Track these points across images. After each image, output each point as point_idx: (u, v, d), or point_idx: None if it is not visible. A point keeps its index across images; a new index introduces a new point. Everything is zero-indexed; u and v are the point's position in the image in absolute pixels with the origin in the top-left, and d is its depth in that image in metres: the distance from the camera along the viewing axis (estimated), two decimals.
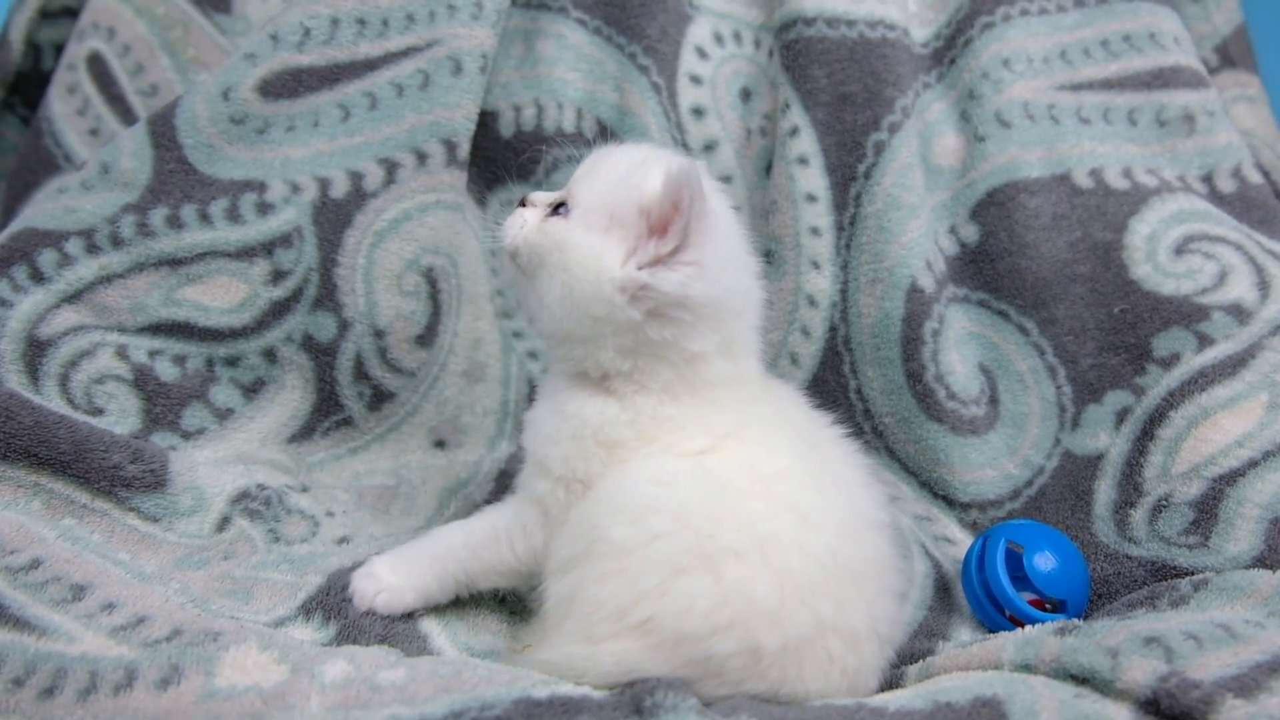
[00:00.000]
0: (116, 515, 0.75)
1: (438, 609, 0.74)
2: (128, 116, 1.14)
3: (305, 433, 0.92)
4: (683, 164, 0.64)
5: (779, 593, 0.61)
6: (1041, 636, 0.66)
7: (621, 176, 0.68)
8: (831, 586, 0.63)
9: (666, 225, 0.65)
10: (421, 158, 0.94)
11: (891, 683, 0.70)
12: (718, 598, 0.60)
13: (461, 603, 0.75)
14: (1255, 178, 1.03)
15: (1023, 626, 0.78)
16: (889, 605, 0.68)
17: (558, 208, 0.71)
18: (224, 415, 0.88)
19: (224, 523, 0.80)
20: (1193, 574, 0.80)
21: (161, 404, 0.85)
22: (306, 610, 0.70)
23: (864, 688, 0.65)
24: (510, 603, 0.77)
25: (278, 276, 0.90)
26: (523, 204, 0.74)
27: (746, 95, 1.11)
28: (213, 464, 0.85)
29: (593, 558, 0.63)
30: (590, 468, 0.68)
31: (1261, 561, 0.79)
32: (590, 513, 0.65)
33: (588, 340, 0.68)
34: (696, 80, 1.10)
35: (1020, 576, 0.80)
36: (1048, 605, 0.81)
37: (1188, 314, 0.93)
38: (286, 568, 0.77)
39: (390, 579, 0.72)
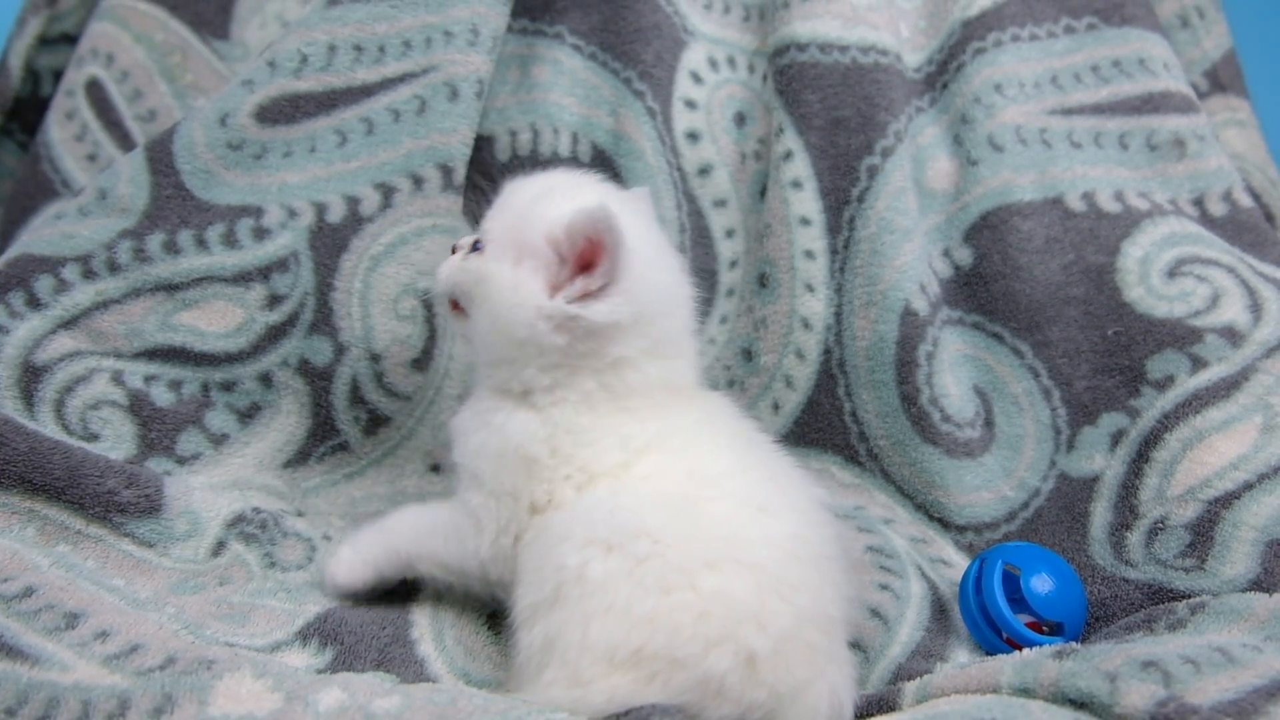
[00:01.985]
0: (111, 541, 0.75)
1: (435, 634, 0.73)
2: (126, 142, 1.15)
3: (301, 458, 0.92)
4: (597, 205, 0.66)
5: (757, 592, 0.61)
6: (1040, 660, 0.65)
7: (525, 208, 0.72)
8: (804, 574, 0.63)
9: (591, 262, 0.67)
10: (418, 182, 0.94)
11: (888, 700, 0.69)
12: (701, 610, 0.60)
13: (459, 628, 0.74)
14: (1246, 201, 1.04)
15: (1020, 649, 0.78)
16: (847, 584, 0.69)
17: (475, 244, 0.74)
18: (219, 441, 0.88)
19: (219, 547, 0.79)
20: (1189, 597, 0.80)
21: (157, 429, 0.85)
22: (304, 636, 0.70)
23: (840, 665, 0.65)
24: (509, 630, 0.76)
25: (274, 301, 0.90)
26: (453, 250, 0.77)
27: (741, 120, 1.12)
28: (208, 488, 0.84)
29: (567, 601, 0.62)
30: (518, 484, 0.69)
31: (1258, 585, 0.79)
32: (552, 554, 0.64)
33: (514, 361, 0.71)
34: (691, 105, 1.11)
35: (1017, 599, 0.80)
36: (1044, 628, 0.81)
37: (1181, 336, 0.94)
38: (284, 596, 0.76)
39: (349, 555, 0.77)
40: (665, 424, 0.70)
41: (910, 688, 0.69)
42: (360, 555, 0.76)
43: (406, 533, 0.75)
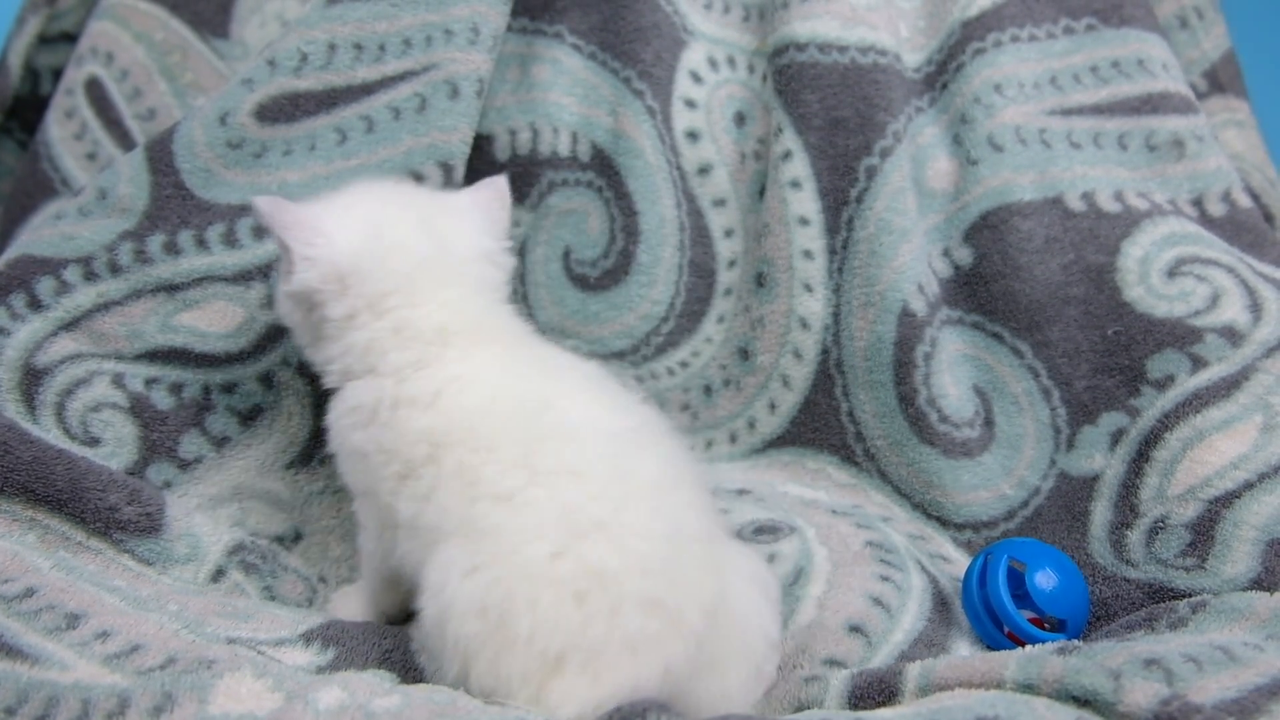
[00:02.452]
0: (111, 555, 0.75)
1: None
2: (125, 141, 1.15)
3: (304, 459, 0.92)
4: (261, 199, 0.72)
5: (620, 552, 0.60)
6: (1044, 655, 0.65)
7: None
8: (657, 496, 0.63)
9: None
10: (418, 180, 0.94)
11: (889, 678, 0.69)
12: (577, 590, 0.59)
13: None
14: (1245, 202, 1.04)
15: (1021, 644, 0.78)
16: (702, 494, 0.68)
17: None
18: (221, 443, 0.88)
19: (219, 574, 0.79)
20: (1190, 596, 0.80)
21: (158, 432, 0.85)
22: (307, 638, 0.70)
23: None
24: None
25: (274, 300, 0.90)
26: None
27: (741, 119, 1.12)
28: (209, 505, 0.84)
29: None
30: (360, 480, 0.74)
31: (1259, 583, 0.79)
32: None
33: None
34: (691, 104, 1.11)
35: (1021, 594, 0.80)
36: (1047, 624, 0.81)
37: (1181, 336, 0.94)
38: (288, 610, 0.76)
39: (348, 607, 0.80)
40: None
41: (913, 669, 0.68)
42: (356, 606, 0.79)
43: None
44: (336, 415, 0.73)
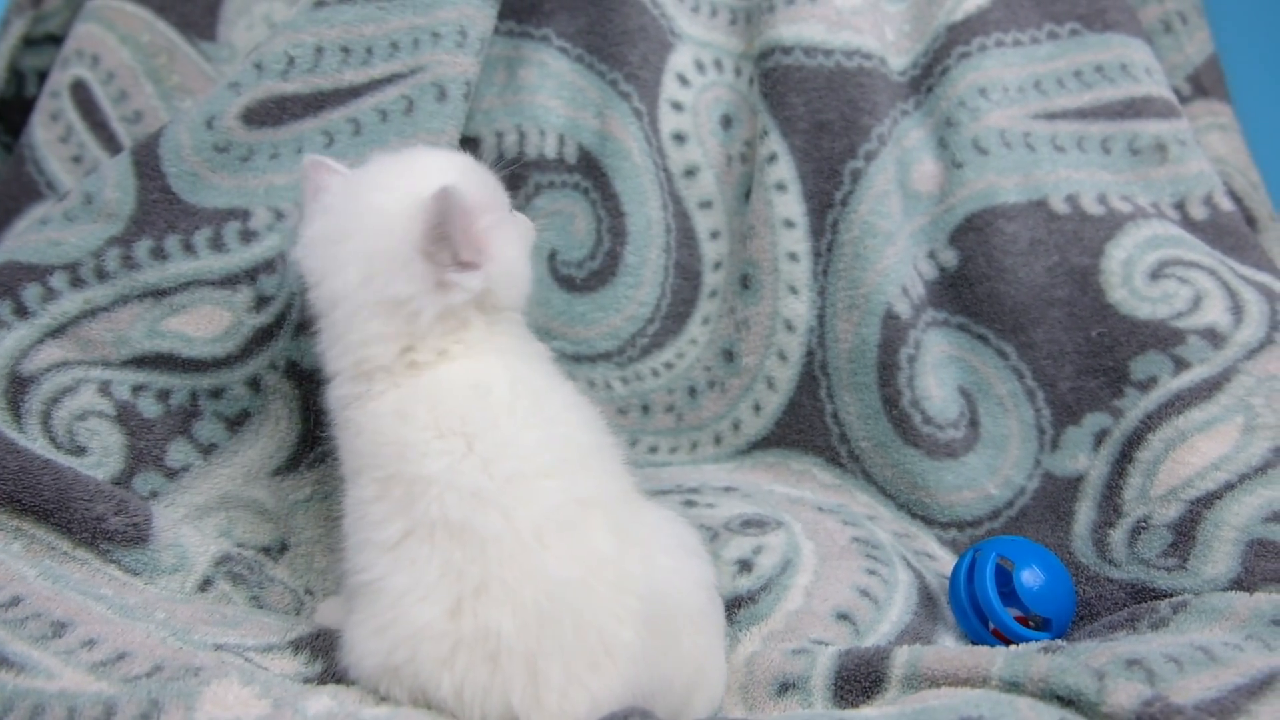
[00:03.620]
0: (97, 565, 0.75)
1: None
2: (111, 144, 1.14)
3: (291, 465, 0.91)
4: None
5: (513, 611, 0.58)
6: (1031, 654, 0.66)
7: None
8: (549, 536, 0.60)
9: None
10: None
11: (875, 661, 0.69)
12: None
13: None
14: (1226, 205, 1.05)
15: (1006, 641, 0.79)
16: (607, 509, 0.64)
17: None
18: (208, 450, 0.88)
19: (206, 584, 0.79)
20: (1172, 596, 0.81)
21: (145, 440, 0.85)
22: (296, 646, 0.70)
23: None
24: None
25: (261, 303, 0.90)
26: None
27: (727, 122, 1.12)
28: (196, 515, 0.84)
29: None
30: None
31: (1238, 584, 0.80)
32: None
33: None
34: (678, 107, 1.11)
35: (1008, 592, 0.81)
36: (1032, 622, 0.81)
37: (1164, 338, 0.95)
38: (275, 618, 0.76)
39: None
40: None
41: (901, 654, 0.69)
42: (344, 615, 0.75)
43: None
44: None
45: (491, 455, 0.61)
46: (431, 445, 0.62)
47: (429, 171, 0.69)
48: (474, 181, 0.70)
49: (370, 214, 0.68)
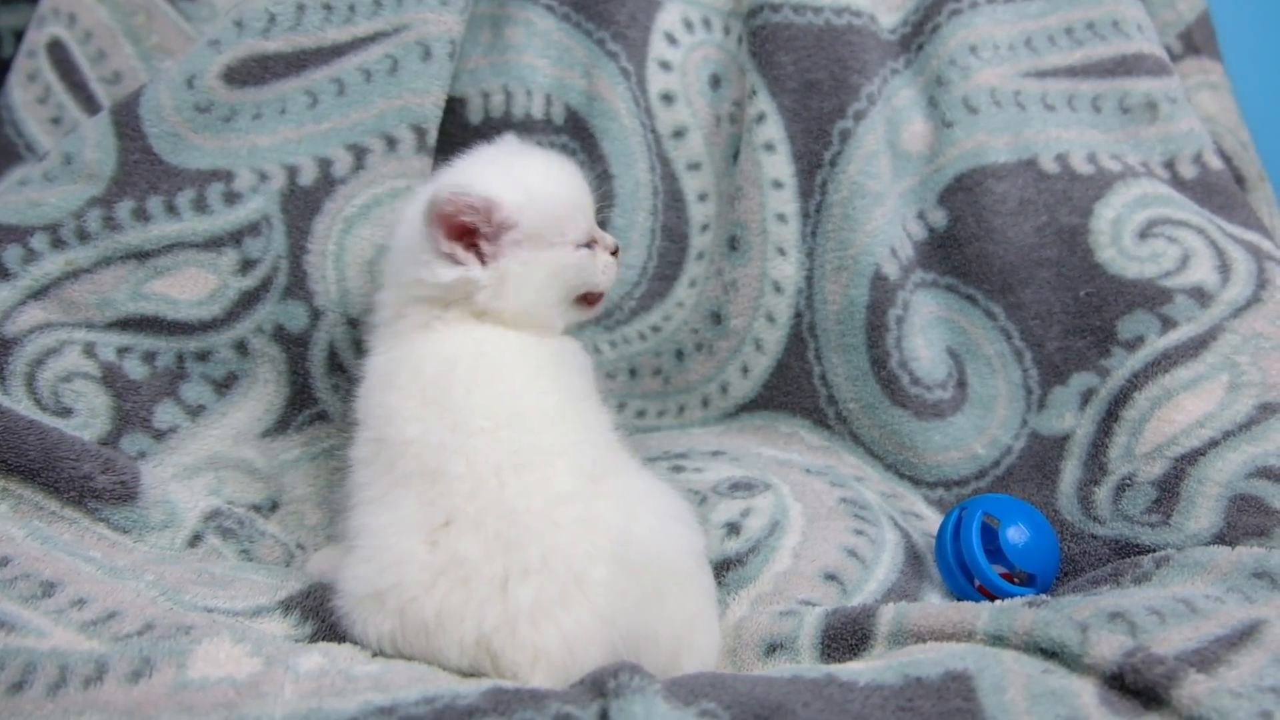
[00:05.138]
0: (86, 524, 0.75)
1: None
2: (90, 104, 1.12)
3: (280, 427, 0.91)
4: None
5: (478, 537, 0.63)
6: (1015, 608, 0.67)
7: None
8: (513, 477, 0.65)
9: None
10: (391, 143, 0.93)
11: (862, 619, 0.70)
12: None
13: None
14: (1216, 164, 1.05)
15: (992, 598, 0.80)
16: (580, 460, 0.70)
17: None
18: (196, 412, 0.87)
19: (196, 539, 0.79)
20: (1155, 551, 0.82)
21: (132, 401, 0.84)
22: (286, 606, 0.70)
23: None
24: None
25: (246, 266, 0.89)
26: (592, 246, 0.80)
27: (716, 82, 1.11)
28: (184, 475, 0.84)
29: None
30: None
31: (1221, 538, 0.81)
32: None
33: None
34: (666, 66, 1.10)
35: (993, 549, 0.82)
36: (1017, 578, 0.82)
37: (1151, 297, 0.95)
38: (265, 573, 0.76)
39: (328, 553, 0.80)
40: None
41: (887, 611, 0.70)
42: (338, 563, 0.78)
43: None
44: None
45: (458, 418, 0.67)
46: (413, 412, 0.68)
47: (482, 174, 0.76)
48: (519, 194, 0.74)
49: (419, 197, 0.77)
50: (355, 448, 0.71)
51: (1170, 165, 1.05)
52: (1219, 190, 1.04)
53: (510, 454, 0.65)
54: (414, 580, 0.62)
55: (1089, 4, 1.09)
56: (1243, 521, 0.80)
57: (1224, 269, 0.95)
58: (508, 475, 0.64)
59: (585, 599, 0.61)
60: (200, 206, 0.88)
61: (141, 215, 0.87)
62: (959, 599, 0.83)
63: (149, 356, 0.86)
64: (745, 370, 1.05)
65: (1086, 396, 0.95)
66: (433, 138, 0.95)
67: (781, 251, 1.04)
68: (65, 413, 0.82)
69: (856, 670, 0.61)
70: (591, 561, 0.62)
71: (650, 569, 0.65)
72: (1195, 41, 1.25)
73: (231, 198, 0.89)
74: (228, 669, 0.57)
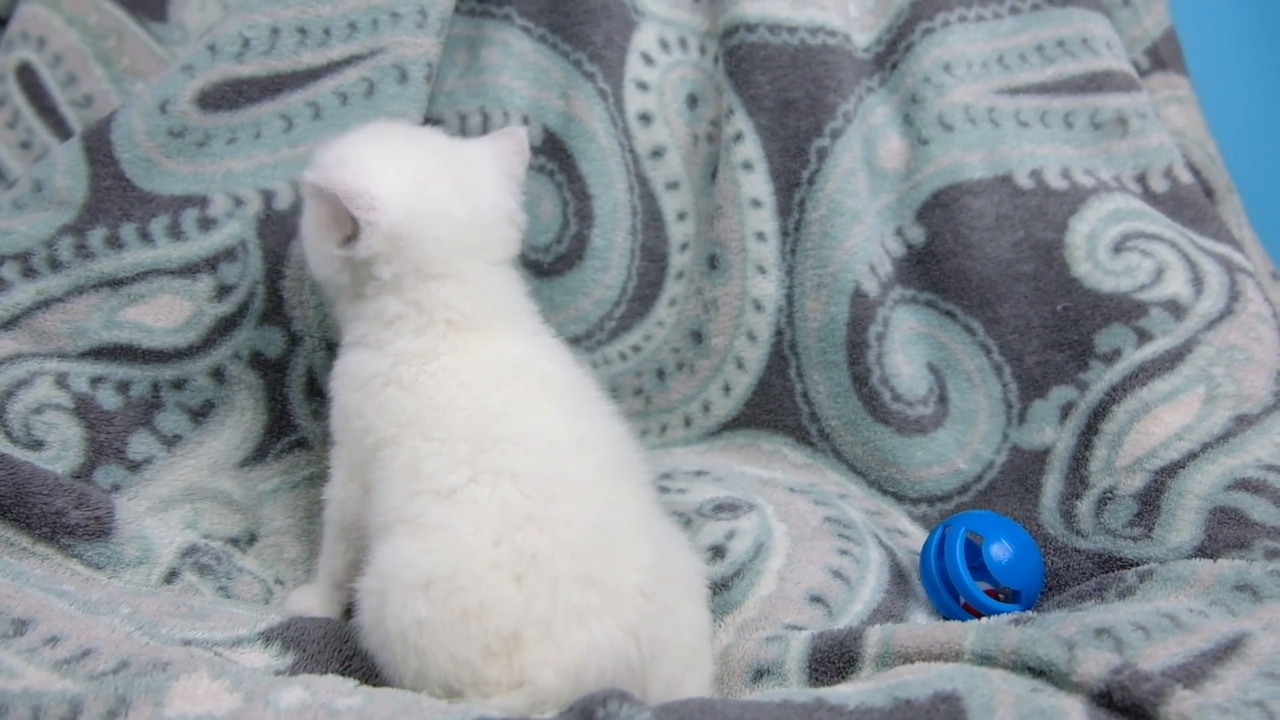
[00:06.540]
0: (58, 560, 0.73)
1: None
2: (61, 129, 1.11)
3: (258, 455, 0.90)
4: (313, 171, 0.71)
5: (550, 538, 0.64)
6: (1002, 627, 0.67)
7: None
8: (586, 493, 0.67)
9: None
10: None
11: (849, 642, 0.70)
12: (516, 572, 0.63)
13: None
14: (1186, 177, 1.06)
15: (977, 615, 0.80)
16: (642, 491, 0.73)
17: None
18: (172, 442, 0.86)
19: (172, 576, 0.78)
20: (1138, 565, 0.82)
21: (105, 433, 0.83)
22: (266, 637, 0.69)
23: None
24: None
25: (222, 292, 0.88)
26: None
27: (693, 101, 1.11)
28: (160, 507, 0.83)
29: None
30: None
31: (1202, 551, 0.81)
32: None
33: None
34: (643, 86, 1.10)
35: (977, 565, 0.82)
36: (1002, 595, 0.83)
37: (1127, 310, 0.96)
38: (245, 606, 0.75)
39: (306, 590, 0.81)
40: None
41: (874, 633, 0.70)
42: (315, 600, 0.79)
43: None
44: (338, 373, 0.76)
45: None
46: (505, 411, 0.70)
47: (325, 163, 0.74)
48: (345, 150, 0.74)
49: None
50: (402, 449, 0.69)
51: (1142, 179, 1.06)
52: (1189, 204, 1.05)
53: (596, 468, 0.68)
54: (468, 573, 0.62)
55: (1059, 22, 1.11)
56: (1223, 534, 0.81)
57: (1197, 282, 0.96)
58: (595, 489, 0.67)
59: (617, 609, 0.63)
60: (175, 232, 0.87)
61: (115, 242, 0.85)
62: (945, 617, 0.83)
63: (123, 386, 0.85)
64: (727, 389, 1.05)
65: (1066, 410, 0.96)
66: None
67: (761, 270, 1.04)
68: (37, 445, 0.80)
69: (845, 693, 0.61)
70: (634, 573, 0.64)
71: (672, 579, 0.67)
72: (1162, 57, 1.27)
73: (206, 223, 0.88)
74: (206, 705, 0.56)
